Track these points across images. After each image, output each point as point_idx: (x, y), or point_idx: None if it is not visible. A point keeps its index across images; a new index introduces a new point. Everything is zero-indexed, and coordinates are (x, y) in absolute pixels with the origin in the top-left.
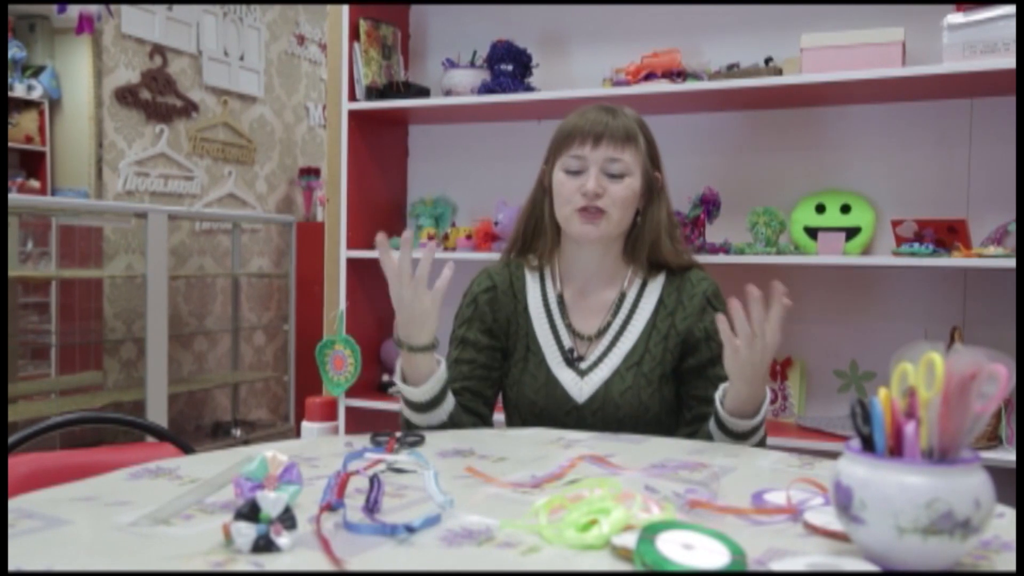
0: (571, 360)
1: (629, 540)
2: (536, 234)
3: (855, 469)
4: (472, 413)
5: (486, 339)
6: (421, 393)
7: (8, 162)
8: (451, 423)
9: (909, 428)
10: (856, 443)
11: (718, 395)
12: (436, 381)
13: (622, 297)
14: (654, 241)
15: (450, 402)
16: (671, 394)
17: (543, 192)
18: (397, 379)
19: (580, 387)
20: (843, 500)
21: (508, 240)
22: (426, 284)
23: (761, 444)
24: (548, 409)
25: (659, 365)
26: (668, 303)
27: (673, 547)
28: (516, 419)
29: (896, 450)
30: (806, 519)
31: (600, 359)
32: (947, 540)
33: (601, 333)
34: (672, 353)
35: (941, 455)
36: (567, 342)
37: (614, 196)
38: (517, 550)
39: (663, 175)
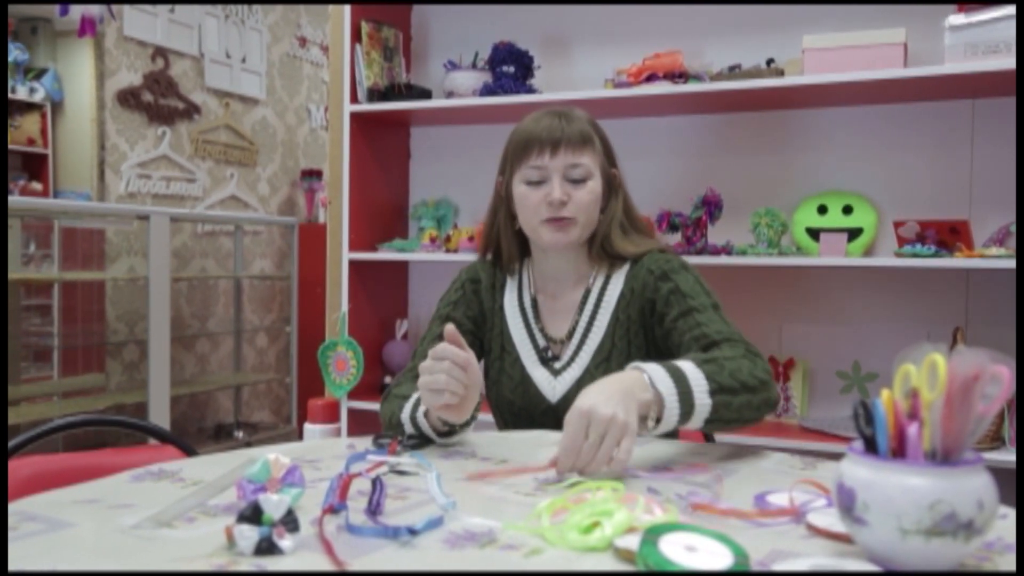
0: (545, 359)
1: (632, 542)
2: (500, 245)
3: (858, 471)
4: None
5: (469, 324)
6: (451, 439)
7: (10, 164)
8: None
9: (912, 429)
10: (859, 444)
11: None
12: (463, 431)
13: (586, 295)
14: (605, 236)
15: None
16: None
17: (501, 203)
18: (423, 420)
19: (553, 386)
20: (846, 502)
21: (480, 245)
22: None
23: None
24: (525, 408)
25: (627, 359)
26: (627, 293)
27: (676, 549)
28: (498, 419)
29: (899, 451)
30: (809, 520)
31: (572, 359)
32: (950, 541)
33: (571, 334)
34: (635, 343)
35: (944, 456)
36: (541, 342)
37: (579, 202)
38: (520, 552)
39: (619, 171)
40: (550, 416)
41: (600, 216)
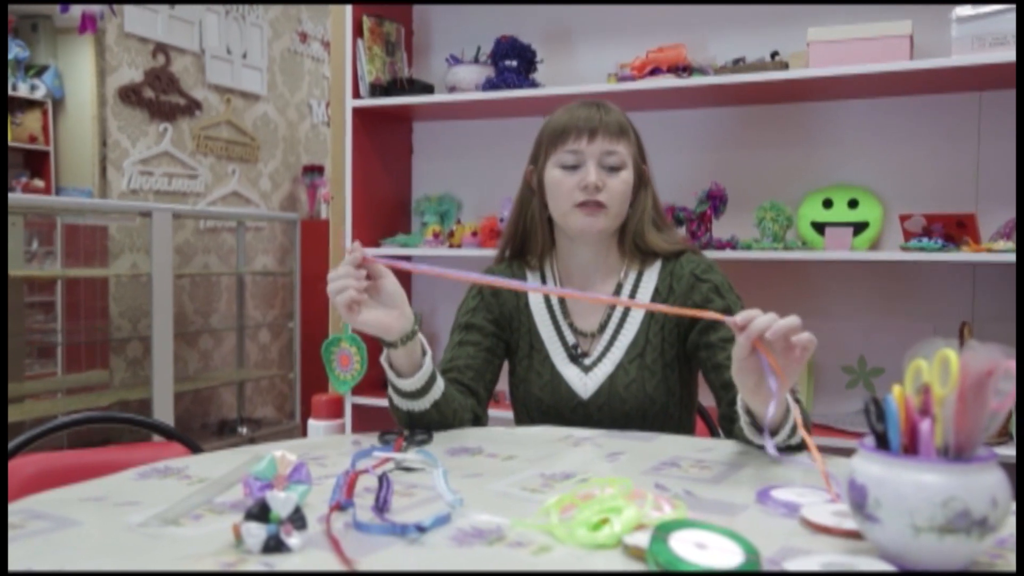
0: (575, 356)
1: (641, 539)
2: (528, 236)
3: (870, 467)
4: (472, 394)
5: (491, 327)
6: (408, 384)
7: (12, 161)
8: (435, 411)
9: (924, 426)
10: (870, 441)
11: (739, 405)
12: (421, 377)
13: (619, 290)
14: (637, 231)
15: (436, 391)
16: (677, 384)
17: (531, 193)
18: (384, 363)
19: (585, 383)
20: (857, 499)
21: (499, 244)
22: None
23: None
24: (554, 406)
25: (660, 355)
26: (663, 290)
27: (686, 546)
28: (524, 416)
29: (911, 448)
30: (803, 515)
31: (603, 354)
32: (964, 539)
33: (602, 328)
34: (669, 340)
35: (957, 453)
36: (570, 339)
37: (613, 190)
38: (528, 549)
39: (648, 167)
40: (580, 413)
41: (630, 210)
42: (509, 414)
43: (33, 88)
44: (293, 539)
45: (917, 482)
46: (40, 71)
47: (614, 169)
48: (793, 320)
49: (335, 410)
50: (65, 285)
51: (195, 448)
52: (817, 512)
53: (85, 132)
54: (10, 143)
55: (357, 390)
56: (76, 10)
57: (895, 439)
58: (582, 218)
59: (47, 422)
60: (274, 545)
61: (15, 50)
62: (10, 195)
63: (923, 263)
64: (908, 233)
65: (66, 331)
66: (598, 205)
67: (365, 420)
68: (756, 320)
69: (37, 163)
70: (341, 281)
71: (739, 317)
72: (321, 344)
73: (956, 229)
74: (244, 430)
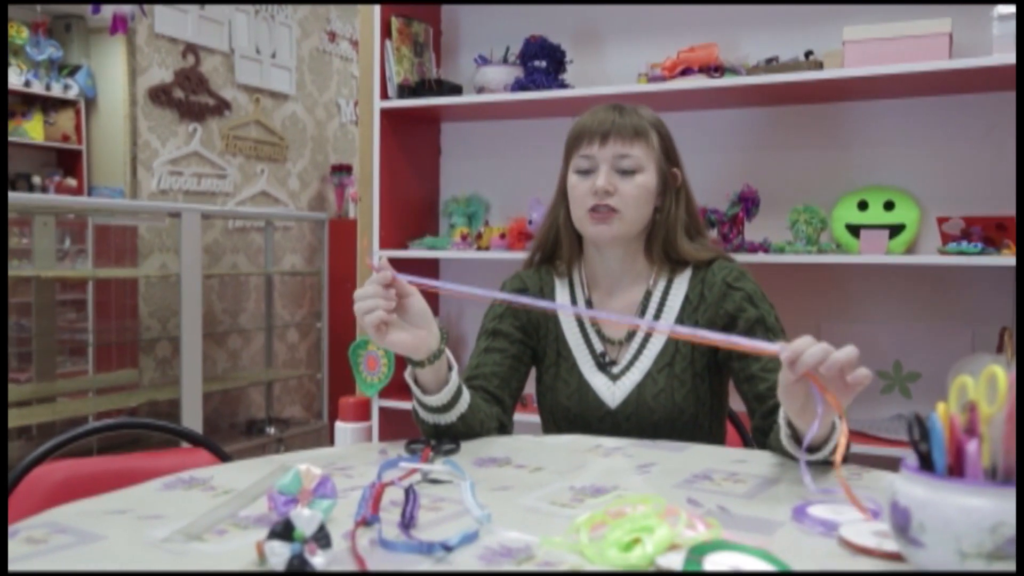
0: (603, 364)
1: (675, 561)
2: (557, 241)
3: (913, 489)
4: (497, 402)
5: (518, 334)
6: (434, 400)
7: (45, 160)
8: (461, 423)
9: (971, 446)
10: (913, 461)
11: (781, 417)
12: (447, 393)
13: (648, 297)
14: (667, 238)
15: (463, 405)
16: (707, 393)
17: (562, 197)
18: (409, 379)
19: (612, 392)
20: (900, 521)
21: (530, 248)
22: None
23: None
24: (582, 415)
25: (690, 365)
26: (693, 298)
27: (721, 569)
28: (551, 425)
29: (956, 469)
30: (842, 535)
31: (631, 362)
32: (1013, 566)
33: (630, 336)
34: (699, 350)
35: (1006, 476)
36: (598, 347)
37: (626, 194)
38: (558, 570)
39: (682, 171)
40: (607, 422)
41: (657, 216)
42: (536, 418)
43: (66, 88)
44: (317, 558)
45: (964, 506)
46: (73, 71)
47: (629, 173)
48: (850, 353)
49: (362, 413)
50: (96, 285)
51: (222, 455)
52: (856, 531)
53: (117, 132)
54: (44, 142)
55: (384, 393)
56: (108, 10)
57: (940, 460)
58: (593, 225)
59: (79, 422)
60: (298, 564)
61: (49, 50)
62: (42, 195)
63: (962, 267)
64: (946, 236)
65: (96, 330)
66: (610, 210)
67: (392, 423)
68: (806, 355)
69: (70, 162)
70: (370, 301)
71: (787, 352)
72: (348, 345)
73: (996, 232)
74: (272, 430)
